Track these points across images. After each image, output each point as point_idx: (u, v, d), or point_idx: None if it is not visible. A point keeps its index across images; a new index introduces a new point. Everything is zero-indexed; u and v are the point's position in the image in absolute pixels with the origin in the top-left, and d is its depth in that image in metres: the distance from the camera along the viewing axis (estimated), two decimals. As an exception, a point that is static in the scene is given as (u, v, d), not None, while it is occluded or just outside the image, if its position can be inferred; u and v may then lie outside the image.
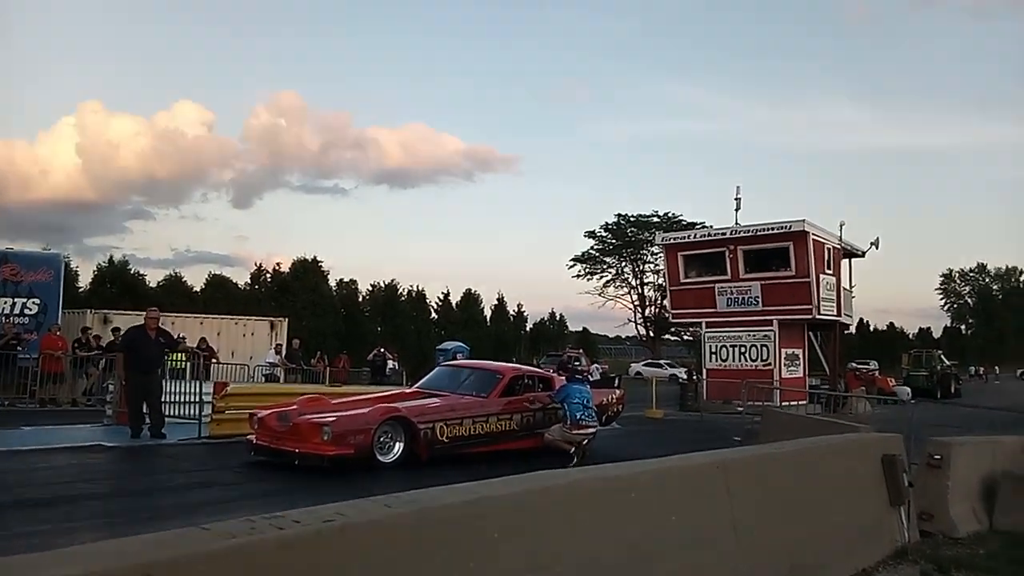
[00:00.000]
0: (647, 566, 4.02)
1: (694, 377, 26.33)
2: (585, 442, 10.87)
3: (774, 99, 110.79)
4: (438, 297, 45.61)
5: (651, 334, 57.60)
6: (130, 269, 35.45)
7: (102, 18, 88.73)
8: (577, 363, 25.60)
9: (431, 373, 12.79)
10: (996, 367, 66.75)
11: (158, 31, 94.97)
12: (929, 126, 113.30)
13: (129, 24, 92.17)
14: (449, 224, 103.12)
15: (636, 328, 58.33)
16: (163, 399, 11.79)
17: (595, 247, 58.04)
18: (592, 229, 57.73)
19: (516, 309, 49.75)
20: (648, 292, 57.10)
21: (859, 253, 26.97)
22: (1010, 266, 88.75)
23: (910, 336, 69.68)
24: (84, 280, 33.76)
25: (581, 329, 59.98)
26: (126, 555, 2.25)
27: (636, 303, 57.75)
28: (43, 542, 5.18)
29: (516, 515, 3.41)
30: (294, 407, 9.77)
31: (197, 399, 12.00)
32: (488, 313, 47.51)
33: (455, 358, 24.26)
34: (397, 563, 2.85)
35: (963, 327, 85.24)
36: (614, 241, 57.42)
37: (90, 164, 76.25)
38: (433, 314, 44.89)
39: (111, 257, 35.57)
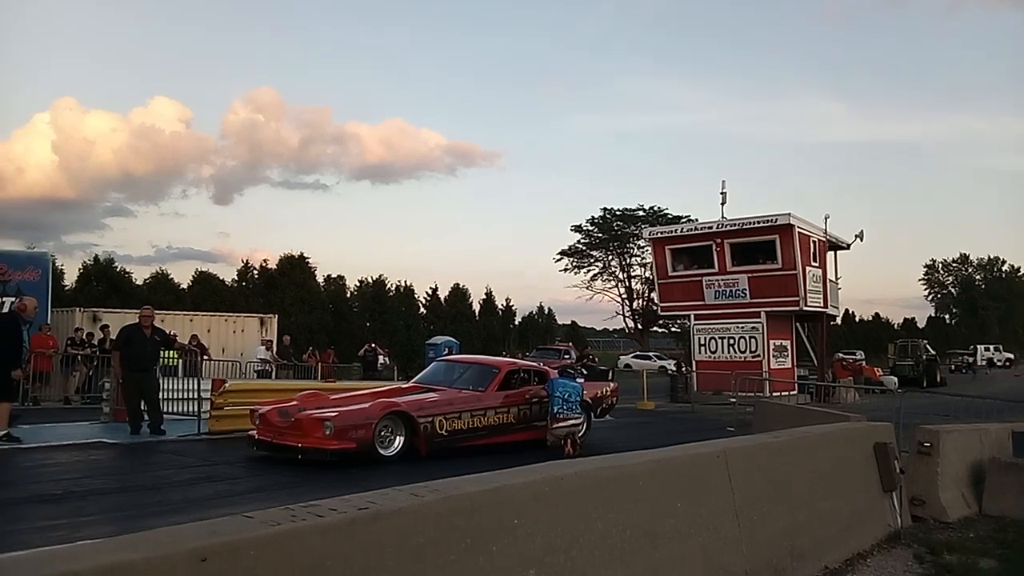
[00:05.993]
0: (655, 550, 4.18)
1: (683, 369, 26.57)
2: (580, 434, 11.03)
3: (756, 93, 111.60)
4: (426, 292, 45.52)
5: (639, 327, 57.84)
6: (116, 267, 35.18)
7: (74, 15, 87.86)
8: (590, 359, 25.75)
9: (428, 368, 12.92)
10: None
11: (132, 27, 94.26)
12: (909, 119, 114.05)
13: (102, 20, 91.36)
14: (435, 219, 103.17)
15: (624, 321, 58.58)
16: (160, 396, 11.88)
17: (582, 241, 58.19)
18: (578, 223, 57.94)
19: (504, 303, 49.75)
20: (635, 285, 57.39)
21: (844, 245, 27.36)
22: (992, 256, 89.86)
23: (895, 326, 70.21)
24: (69, 279, 33.50)
25: (569, 323, 60.21)
26: (181, 541, 2.38)
27: (624, 296, 58.02)
28: (64, 535, 5.27)
29: (533, 502, 3.56)
30: (294, 403, 9.92)
31: (195, 396, 12.10)
32: (477, 308, 47.51)
33: (448, 352, 24.39)
34: (425, 548, 3.00)
35: (947, 317, 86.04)
36: (600, 235, 57.53)
37: (67, 161, 75.64)
38: (422, 309, 44.81)
39: (96, 256, 35.21)
